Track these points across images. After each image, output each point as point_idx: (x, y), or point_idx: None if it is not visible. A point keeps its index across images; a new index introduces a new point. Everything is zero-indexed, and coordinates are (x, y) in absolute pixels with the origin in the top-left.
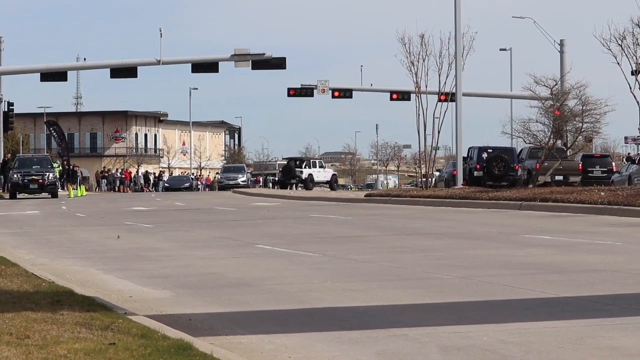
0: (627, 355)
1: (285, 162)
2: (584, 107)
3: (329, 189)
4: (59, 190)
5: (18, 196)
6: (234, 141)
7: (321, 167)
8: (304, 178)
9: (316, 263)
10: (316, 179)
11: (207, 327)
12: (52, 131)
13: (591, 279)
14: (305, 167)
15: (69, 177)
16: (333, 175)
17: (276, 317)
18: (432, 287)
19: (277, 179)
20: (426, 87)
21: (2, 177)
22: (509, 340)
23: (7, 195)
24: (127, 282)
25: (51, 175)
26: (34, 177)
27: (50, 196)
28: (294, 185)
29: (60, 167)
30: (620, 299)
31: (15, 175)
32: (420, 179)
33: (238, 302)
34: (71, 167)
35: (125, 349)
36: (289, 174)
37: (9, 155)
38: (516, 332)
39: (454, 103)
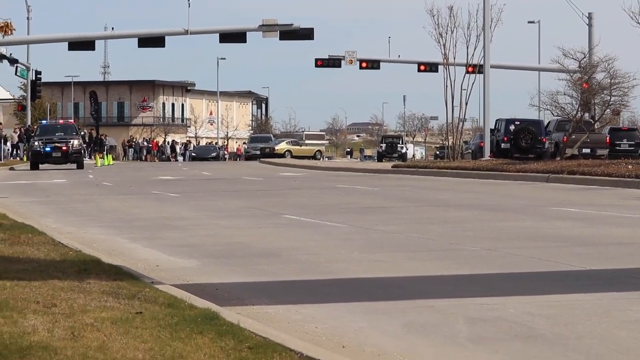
0: None
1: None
2: (612, 81)
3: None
4: (85, 159)
5: (40, 167)
6: (261, 111)
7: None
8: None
9: (343, 234)
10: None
11: (233, 297)
12: (92, 101)
13: (619, 252)
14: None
15: (97, 145)
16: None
17: (303, 287)
18: (458, 259)
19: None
20: (454, 59)
21: (27, 145)
22: (535, 312)
23: (28, 167)
24: (154, 251)
25: (76, 142)
26: (56, 144)
27: (75, 166)
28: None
29: (87, 136)
30: (622, 274)
31: (36, 143)
32: (447, 151)
33: (265, 272)
34: (99, 135)
35: (152, 318)
36: (391, 149)
37: (38, 124)
38: (543, 305)
39: (481, 75)
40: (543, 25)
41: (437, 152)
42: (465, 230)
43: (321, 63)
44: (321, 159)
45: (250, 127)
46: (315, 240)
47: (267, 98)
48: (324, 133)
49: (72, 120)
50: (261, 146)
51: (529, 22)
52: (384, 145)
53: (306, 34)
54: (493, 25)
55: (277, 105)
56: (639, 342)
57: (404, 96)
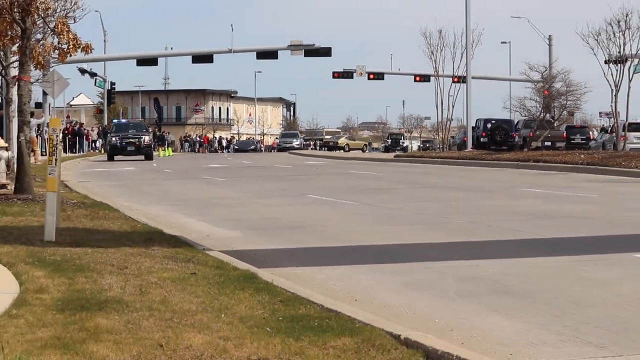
0: (601, 285)
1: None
2: (567, 88)
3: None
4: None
5: (115, 158)
6: (290, 113)
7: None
8: (405, 146)
9: (356, 210)
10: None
11: (268, 261)
12: (155, 106)
13: (574, 224)
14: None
15: (160, 140)
16: None
17: (324, 252)
18: (448, 230)
19: (385, 145)
20: (443, 71)
21: (104, 140)
22: (509, 272)
23: (104, 158)
24: (205, 224)
25: (147, 138)
26: (130, 139)
27: (144, 158)
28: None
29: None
30: (596, 240)
31: (113, 139)
32: (438, 144)
33: (294, 241)
34: (161, 133)
35: (204, 278)
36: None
37: (112, 124)
38: (515, 266)
39: (464, 84)
40: (513, 45)
41: (420, 145)
42: (452, 207)
43: (337, 75)
44: (367, 150)
45: (281, 126)
46: (333, 215)
47: (294, 103)
48: (340, 130)
49: (141, 120)
50: (326, 139)
51: (502, 42)
52: (389, 140)
53: (325, 52)
54: (474, 45)
55: (303, 108)
56: (589, 295)
57: (403, 101)
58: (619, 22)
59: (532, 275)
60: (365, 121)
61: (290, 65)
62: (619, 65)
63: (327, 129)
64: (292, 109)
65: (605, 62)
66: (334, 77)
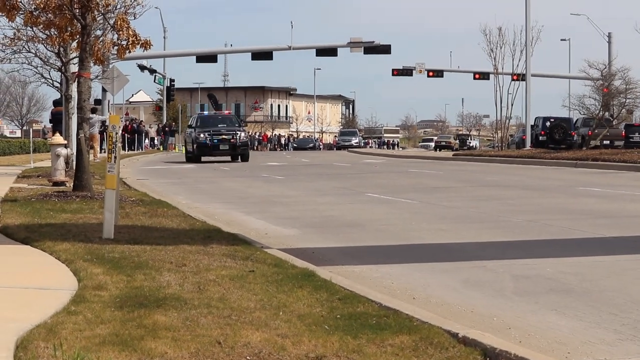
0: None
1: (460, 136)
2: (627, 86)
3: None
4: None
5: (203, 159)
6: (349, 111)
7: None
8: (471, 146)
9: (414, 208)
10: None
11: (326, 259)
12: (212, 103)
13: (633, 223)
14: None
15: None
16: None
17: (382, 251)
18: (505, 228)
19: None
20: (502, 69)
21: (163, 137)
22: (567, 271)
23: (177, 158)
24: (263, 222)
25: (242, 134)
26: (224, 136)
27: (240, 159)
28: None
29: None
30: None
31: (201, 135)
32: (497, 143)
33: (352, 239)
34: None
35: (262, 275)
36: (463, 143)
37: (171, 122)
38: (573, 265)
39: (524, 82)
40: (572, 42)
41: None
42: (510, 206)
43: (397, 72)
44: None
45: (340, 124)
46: (391, 214)
47: (353, 100)
48: (398, 128)
49: (229, 111)
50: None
51: (562, 39)
52: (458, 140)
53: (385, 49)
54: (533, 42)
55: (362, 106)
56: None
57: (462, 99)
58: None
59: (590, 274)
60: (424, 119)
61: (349, 63)
62: None
63: (386, 127)
64: (351, 106)
65: None
66: (393, 74)
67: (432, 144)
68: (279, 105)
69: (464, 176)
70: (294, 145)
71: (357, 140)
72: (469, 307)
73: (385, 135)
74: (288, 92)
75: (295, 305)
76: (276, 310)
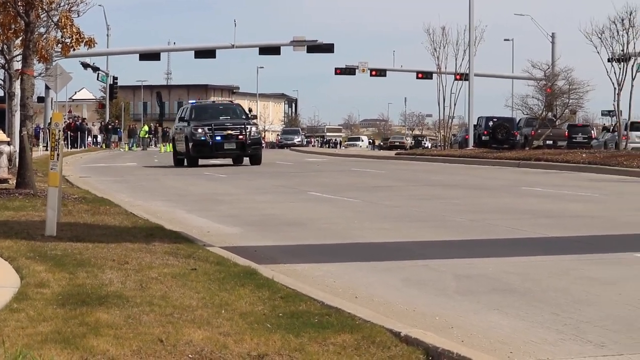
0: (602, 284)
1: (416, 137)
2: (570, 87)
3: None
4: (151, 147)
5: (200, 163)
6: (292, 109)
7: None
8: (425, 146)
9: (356, 207)
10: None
11: (269, 257)
12: (158, 101)
13: (574, 223)
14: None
15: (162, 136)
16: None
17: (324, 249)
18: (448, 228)
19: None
20: (445, 68)
21: (105, 135)
22: (509, 270)
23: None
24: (206, 220)
25: (254, 129)
26: (229, 131)
27: (249, 161)
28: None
29: (147, 128)
30: (597, 239)
31: (199, 131)
32: (440, 142)
33: (293, 238)
34: (164, 128)
35: (204, 274)
36: (418, 144)
37: (114, 119)
38: (515, 265)
39: (467, 82)
40: (517, 42)
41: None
42: (453, 205)
43: (339, 71)
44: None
45: (283, 122)
46: (333, 213)
47: (296, 99)
48: (341, 127)
49: (231, 100)
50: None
51: (505, 39)
52: (413, 141)
53: (328, 48)
54: (477, 42)
55: (305, 105)
56: (590, 294)
57: (405, 98)
58: (622, 20)
59: (533, 274)
60: (366, 118)
61: (292, 62)
62: (622, 63)
63: (329, 126)
64: (293, 105)
65: (609, 61)
66: (336, 73)
67: (360, 143)
68: None
69: (407, 175)
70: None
71: (299, 139)
72: (411, 306)
73: (327, 134)
74: (231, 91)
75: (238, 304)
76: (218, 309)
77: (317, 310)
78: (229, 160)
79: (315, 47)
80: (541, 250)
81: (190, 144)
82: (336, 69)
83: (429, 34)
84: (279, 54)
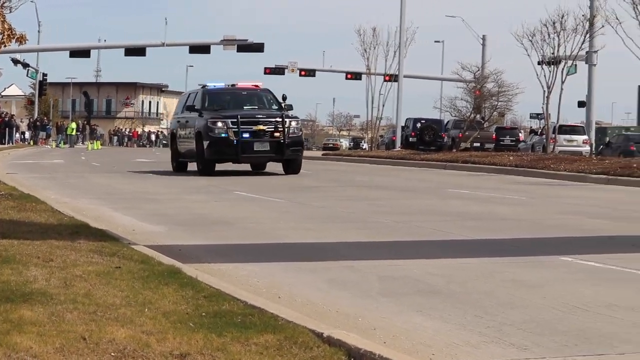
0: (527, 287)
1: (354, 139)
2: (499, 89)
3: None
4: (79, 144)
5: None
6: None
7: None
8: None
9: (282, 207)
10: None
11: (193, 256)
12: (85, 99)
13: (501, 226)
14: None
15: (90, 134)
16: None
17: (249, 249)
18: (373, 229)
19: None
20: (375, 69)
21: (33, 132)
22: (434, 272)
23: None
24: (131, 219)
25: (294, 123)
26: (261, 126)
27: (284, 168)
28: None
29: (75, 126)
30: (523, 242)
31: (219, 124)
32: (367, 143)
33: (219, 237)
34: (92, 126)
35: (128, 272)
36: (357, 145)
37: (43, 116)
38: (440, 266)
39: (396, 83)
40: (447, 44)
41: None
42: (379, 206)
43: (269, 71)
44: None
45: None
46: (259, 212)
47: None
48: None
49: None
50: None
51: (436, 41)
52: (352, 143)
53: (258, 47)
54: (407, 43)
55: None
56: (514, 297)
57: (333, 98)
58: (554, 23)
59: (457, 276)
60: None
61: (222, 61)
62: (552, 66)
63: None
64: None
65: (539, 63)
66: (265, 73)
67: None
68: (150, 102)
69: (333, 176)
70: (164, 142)
71: None
72: (335, 307)
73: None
74: (160, 89)
75: (161, 303)
76: (142, 307)
77: (240, 310)
78: (245, 165)
79: (245, 47)
80: (466, 252)
81: (206, 143)
82: (266, 68)
83: (360, 35)
84: (209, 52)
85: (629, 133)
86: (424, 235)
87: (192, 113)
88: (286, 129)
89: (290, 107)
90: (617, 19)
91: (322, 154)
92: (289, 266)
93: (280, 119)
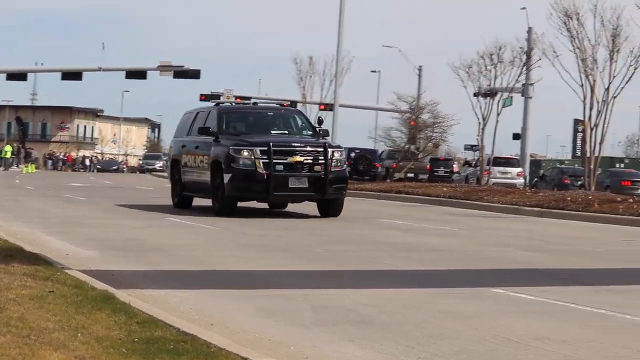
0: (458, 318)
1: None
2: (434, 120)
3: None
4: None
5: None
6: (155, 134)
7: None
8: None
9: (217, 234)
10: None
11: (127, 282)
12: (18, 124)
13: (433, 257)
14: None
15: (25, 157)
16: None
17: (182, 276)
18: (307, 258)
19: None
20: (311, 98)
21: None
22: (366, 302)
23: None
24: (65, 243)
25: (337, 154)
26: (298, 157)
27: (325, 210)
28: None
29: (10, 149)
30: (455, 273)
31: (243, 154)
32: None
33: (153, 263)
34: (27, 149)
35: (62, 296)
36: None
37: None
38: (372, 296)
39: (332, 112)
40: (384, 74)
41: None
42: (314, 236)
43: (204, 98)
44: None
45: (146, 147)
46: (194, 239)
47: (160, 124)
48: None
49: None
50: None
51: (372, 71)
52: None
53: (194, 74)
54: (344, 73)
55: (168, 130)
56: (446, 328)
57: None
58: (491, 55)
59: (389, 306)
60: None
61: (159, 86)
62: (488, 98)
63: None
64: (157, 130)
65: (475, 95)
66: (201, 99)
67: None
68: (85, 126)
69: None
70: (98, 166)
71: (161, 164)
72: (267, 335)
73: None
74: (95, 114)
75: (94, 327)
76: (75, 332)
77: (172, 337)
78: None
79: (181, 73)
80: (399, 282)
81: (227, 176)
82: (201, 95)
83: (296, 63)
84: (146, 78)
85: (563, 166)
86: (357, 265)
87: (205, 137)
88: (328, 160)
89: (326, 133)
90: (554, 52)
91: None
92: (222, 293)
93: (322, 149)
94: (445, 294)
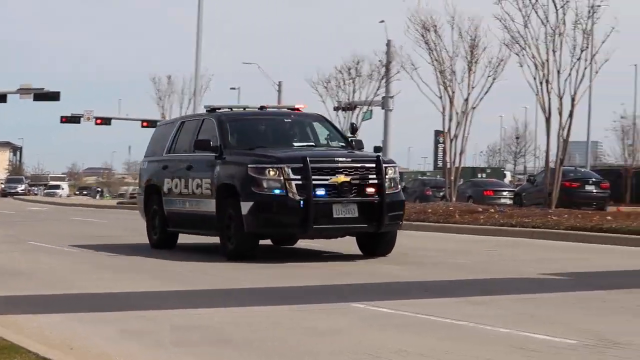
0: (318, 334)
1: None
2: None
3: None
4: None
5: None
6: (16, 158)
7: None
8: None
9: (77, 257)
10: None
11: None
12: None
13: (292, 274)
14: None
15: None
16: None
17: (42, 300)
18: (168, 279)
19: None
20: (170, 116)
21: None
22: (227, 321)
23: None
24: None
25: (390, 171)
26: (342, 176)
27: (368, 248)
28: None
29: None
30: (314, 289)
31: (269, 173)
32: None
33: (12, 288)
34: None
35: None
36: None
37: None
38: (233, 314)
39: None
40: (244, 91)
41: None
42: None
43: (65, 119)
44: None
45: (7, 171)
46: (54, 263)
47: (21, 147)
48: (65, 175)
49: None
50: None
51: (231, 88)
52: None
53: (54, 96)
54: (202, 91)
55: (30, 153)
56: (305, 344)
57: (129, 146)
58: (349, 69)
59: (252, 325)
60: (91, 166)
61: (19, 110)
62: (347, 112)
63: (53, 174)
64: (18, 153)
65: (335, 109)
66: (61, 121)
67: (60, 191)
68: None
69: (130, 224)
70: None
71: (23, 187)
72: (129, 357)
73: (51, 182)
74: None
75: None
76: None
77: None
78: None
79: (41, 95)
80: (260, 300)
81: (248, 205)
82: (62, 117)
83: (155, 83)
84: (6, 101)
85: (424, 178)
86: (217, 284)
87: (203, 153)
88: (383, 180)
89: (360, 145)
90: (412, 64)
91: (117, 203)
92: (82, 317)
93: (374, 165)
94: (304, 310)
